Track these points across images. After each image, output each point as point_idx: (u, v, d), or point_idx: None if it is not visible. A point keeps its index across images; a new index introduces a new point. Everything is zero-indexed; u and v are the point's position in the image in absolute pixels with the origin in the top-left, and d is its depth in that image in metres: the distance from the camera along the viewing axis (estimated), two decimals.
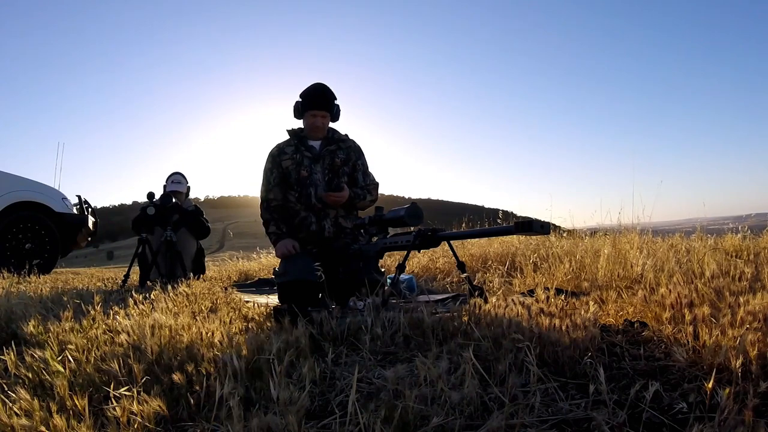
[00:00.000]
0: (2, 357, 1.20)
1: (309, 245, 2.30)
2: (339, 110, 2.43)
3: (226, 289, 3.17)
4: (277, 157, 2.39)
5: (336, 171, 2.36)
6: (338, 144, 2.42)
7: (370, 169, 2.51)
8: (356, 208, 2.43)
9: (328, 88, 2.39)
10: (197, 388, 0.98)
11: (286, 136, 2.46)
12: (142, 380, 1.03)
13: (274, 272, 2.27)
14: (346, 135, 2.49)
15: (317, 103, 2.36)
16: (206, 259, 4.59)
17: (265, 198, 2.38)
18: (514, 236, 3.76)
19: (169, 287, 2.43)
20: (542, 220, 1.55)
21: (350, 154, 2.43)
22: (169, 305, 1.95)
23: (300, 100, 2.40)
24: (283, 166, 2.36)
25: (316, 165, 2.35)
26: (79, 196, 5.99)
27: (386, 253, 2.87)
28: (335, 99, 2.40)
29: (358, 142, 2.51)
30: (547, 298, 1.35)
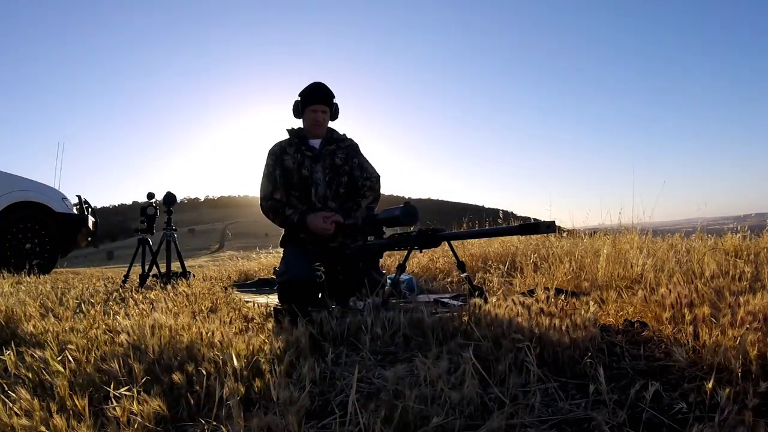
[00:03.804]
0: (2, 357, 1.20)
1: (309, 245, 2.30)
2: (338, 109, 2.47)
3: (226, 289, 3.17)
4: (279, 155, 2.40)
5: (336, 170, 2.39)
6: (338, 144, 2.44)
7: (370, 162, 2.53)
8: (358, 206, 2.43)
9: (326, 85, 2.44)
10: (197, 388, 0.98)
11: (286, 135, 2.48)
12: (142, 380, 1.03)
13: (275, 272, 2.27)
14: (345, 134, 2.52)
15: (317, 97, 2.39)
16: (206, 259, 4.58)
17: (268, 195, 2.38)
18: (514, 236, 3.76)
19: (169, 287, 2.43)
20: (547, 221, 1.55)
21: (349, 152, 2.45)
22: (169, 305, 1.95)
23: (299, 99, 2.44)
24: (285, 165, 2.37)
25: (317, 165, 2.36)
26: (79, 196, 5.99)
27: (386, 253, 2.87)
28: (334, 97, 2.44)
29: (356, 140, 2.55)
30: (547, 298, 1.35)
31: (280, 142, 2.46)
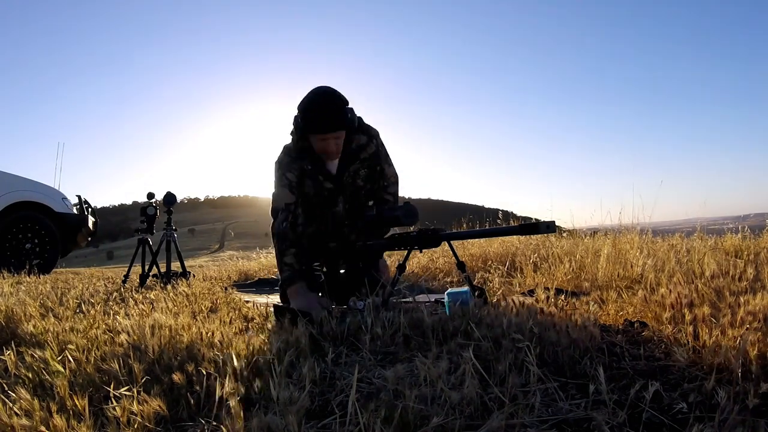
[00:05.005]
0: (2, 357, 1.20)
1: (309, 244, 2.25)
2: (353, 119, 1.91)
3: (226, 289, 3.17)
4: (300, 178, 2.00)
5: (358, 194, 2.08)
6: (359, 157, 2.03)
7: (390, 159, 2.16)
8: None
9: (336, 97, 1.86)
10: (197, 388, 0.98)
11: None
12: (142, 380, 1.03)
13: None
14: (367, 131, 2.04)
15: (326, 124, 1.84)
16: (206, 259, 4.60)
17: (283, 206, 1.98)
18: (515, 236, 3.76)
19: (169, 287, 2.43)
20: (547, 221, 1.55)
21: (372, 163, 2.08)
22: (169, 305, 1.95)
23: (299, 115, 1.89)
24: (305, 191, 2.02)
25: (338, 196, 2.04)
26: (79, 196, 6.00)
27: (386, 253, 2.86)
28: (346, 105, 1.88)
29: (377, 130, 2.09)
30: (547, 298, 1.35)
31: (293, 159, 1.98)
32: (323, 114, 1.83)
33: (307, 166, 1.97)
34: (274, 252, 2.02)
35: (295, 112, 1.93)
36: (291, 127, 1.98)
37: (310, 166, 1.97)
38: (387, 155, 2.15)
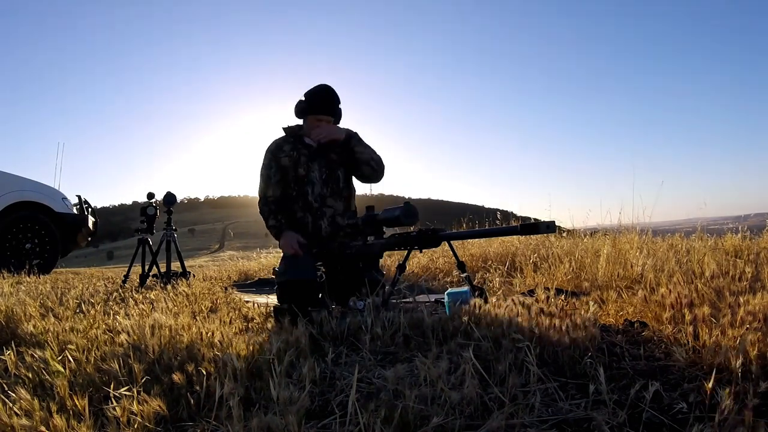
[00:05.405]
0: (2, 357, 1.20)
1: (308, 245, 2.30)
2: (341, 113, 2.42)
3: (226, 289, 3.17)
4: (275, 153, 2.36)
5: (332, 167, 2.37)
6: None
7: (371, 147, 2.40)
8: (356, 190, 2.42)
9: (334, 91, 2.38)
10: (197, 388, 0.98)
11: (283, 133, 2.45)
12: (142, 380, 1.03)
13: (275, 272, 2.27)
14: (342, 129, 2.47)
15: (324, 107, 2.34)
16: (206, 259, 4.60)
17: (263, 195, 2.36)
18: (515, 236, 3.76)
19: (169, 287, 2.43)
20: (547, 221, 1.55)
21: (344, 149, 2.40)
22: (169, 305, 1.95)
23: (304, 100, 2.36)
24: (282, 164, 2.33)
25: (313, 163, 2.34)
26: (79, 196, 5.99)
27: (386, 253, 2.87)
28: (339, 102, 2.39)
29: (351, 128, 2.43)
30: (547, 298, 1.35)
31: (277, 140, 2.42)
32: (325, 100, 2.34)
33: (290, 138, 2.40)
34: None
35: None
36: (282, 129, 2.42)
37: (293, 138, 2.39)
38: (365, 143, 2.41)
